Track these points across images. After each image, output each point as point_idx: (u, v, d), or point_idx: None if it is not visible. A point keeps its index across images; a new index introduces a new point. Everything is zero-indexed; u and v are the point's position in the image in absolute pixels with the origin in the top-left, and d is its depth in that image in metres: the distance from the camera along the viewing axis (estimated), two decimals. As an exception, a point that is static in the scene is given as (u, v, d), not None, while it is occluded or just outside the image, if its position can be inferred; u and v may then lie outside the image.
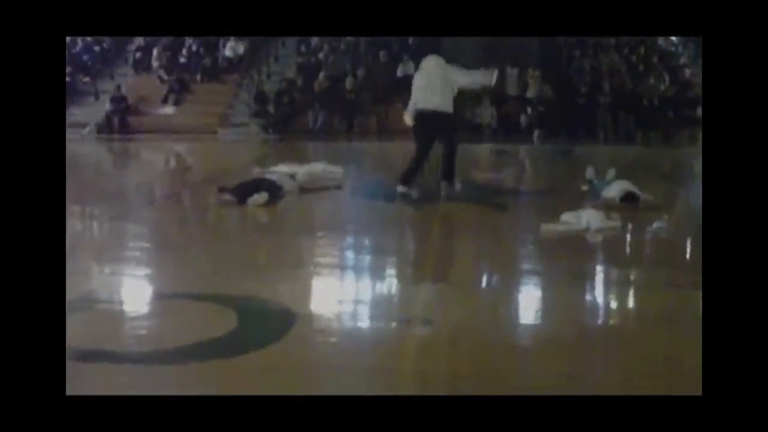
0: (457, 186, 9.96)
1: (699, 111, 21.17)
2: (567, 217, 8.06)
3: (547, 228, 7.86)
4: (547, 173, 14.60)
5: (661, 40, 24.41)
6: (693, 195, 12.55)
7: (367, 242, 7.90)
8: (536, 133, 20.45)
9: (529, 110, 21.51)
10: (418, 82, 10.04)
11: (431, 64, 10.18)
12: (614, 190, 9.32)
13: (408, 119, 10.00)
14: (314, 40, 24.29)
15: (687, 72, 22.96)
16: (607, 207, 8.85)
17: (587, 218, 7.89)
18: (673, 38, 25.13)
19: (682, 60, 23.74)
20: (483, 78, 10.31)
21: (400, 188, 9.82)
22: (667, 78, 22.05)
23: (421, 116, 9.85)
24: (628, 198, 9.12)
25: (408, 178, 9.87)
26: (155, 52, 24.38)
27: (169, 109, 22.75)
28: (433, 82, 9.88)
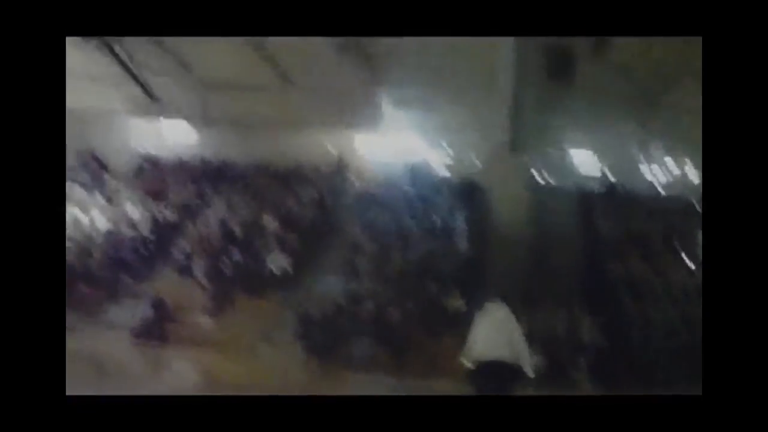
0: None
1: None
2: None
3: None
4: None
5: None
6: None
7: None
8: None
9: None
10: (483, 328, 9.60)
11: (502, 314, 9.75)
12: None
13: (466, 361, 9.56)
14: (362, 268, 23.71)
15: None
16: None
17: None
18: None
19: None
20: (526, 358, 9.53)
21: None
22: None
23: (484, 365, 9.36)
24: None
25: None
26: (195, 259, 23.96)
27: (207, 320, 22.03)
28: (500, 331, 9.46)
